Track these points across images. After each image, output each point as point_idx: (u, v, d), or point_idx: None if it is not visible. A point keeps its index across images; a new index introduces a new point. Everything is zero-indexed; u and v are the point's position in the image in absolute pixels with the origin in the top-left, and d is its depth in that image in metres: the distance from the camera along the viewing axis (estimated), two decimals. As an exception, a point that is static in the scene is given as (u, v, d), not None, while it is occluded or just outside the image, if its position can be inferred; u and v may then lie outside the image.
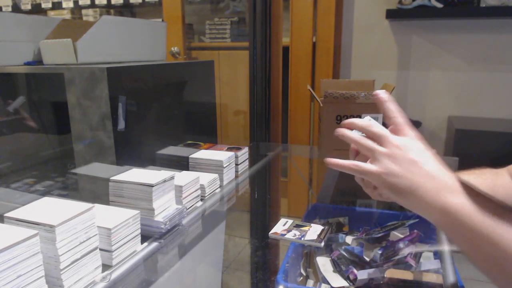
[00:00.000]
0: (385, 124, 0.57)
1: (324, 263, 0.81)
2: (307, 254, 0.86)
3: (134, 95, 1.07)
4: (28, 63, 1.23)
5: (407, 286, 0.70)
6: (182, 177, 0.94)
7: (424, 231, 0.82)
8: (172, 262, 0.77)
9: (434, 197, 0.47)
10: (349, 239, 0.88)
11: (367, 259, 0.79)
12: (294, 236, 0.84)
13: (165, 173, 0.83)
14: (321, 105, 1.31)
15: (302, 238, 0.83)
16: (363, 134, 0.57)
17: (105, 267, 0.67)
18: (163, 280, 0.72)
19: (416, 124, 2.18)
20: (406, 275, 0.71)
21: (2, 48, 1.18)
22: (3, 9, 3.21)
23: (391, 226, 0.86)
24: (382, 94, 0.56)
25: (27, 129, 1.32)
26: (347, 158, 0.57)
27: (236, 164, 1.19)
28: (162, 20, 2.57)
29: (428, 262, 0.78)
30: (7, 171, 1.25)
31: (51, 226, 0.57)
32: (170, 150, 1.22)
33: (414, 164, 0.50)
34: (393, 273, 0.72)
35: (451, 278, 0.69)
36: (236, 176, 1.19)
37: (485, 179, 0.62)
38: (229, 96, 2.56)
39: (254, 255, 0.86)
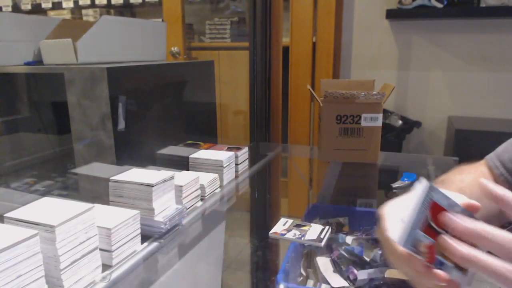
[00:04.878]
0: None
1: (324, 263, 0.81)
2: (307, 254, 0.86)
3: (134, 95, 1.07)
4: (28, 63, 1.23)
5: (407, 286, 0.70)
6: (182, 177, 0.93)
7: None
8: (172, 262, 0.77)
9: None
10: (349, 239, 0.88)
11: (367, 259, 0.79)
12: (294, 236, 0.84)
13: (165, 173, 0.83)
14: (321, 105, 1.31)
15: (302, 238, 0.83)
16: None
17: (105, 267, 0.67)
18: (163, 280, 0.72)
19: (416, 124, 2.18)
20: (406, 275, 0.71)
21: (2, 48, 1.18)
22: (3, 9, 3.20)
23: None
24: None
25: (27, 128, 1.33)
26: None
27: (236, 164, 1.19)
28: (162, 20, 2.56)
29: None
30: (7, 171, 1.25)
31: (51, 227, 0.57)
32: (170, 150, 1.22)
33: None
34: (393, 273, 0.72)
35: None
36: (236, 176, 1.18)
37: (453, 182, 0.60)
38: (229, 96, 2.56)
39: (254, 255, 0.86)
